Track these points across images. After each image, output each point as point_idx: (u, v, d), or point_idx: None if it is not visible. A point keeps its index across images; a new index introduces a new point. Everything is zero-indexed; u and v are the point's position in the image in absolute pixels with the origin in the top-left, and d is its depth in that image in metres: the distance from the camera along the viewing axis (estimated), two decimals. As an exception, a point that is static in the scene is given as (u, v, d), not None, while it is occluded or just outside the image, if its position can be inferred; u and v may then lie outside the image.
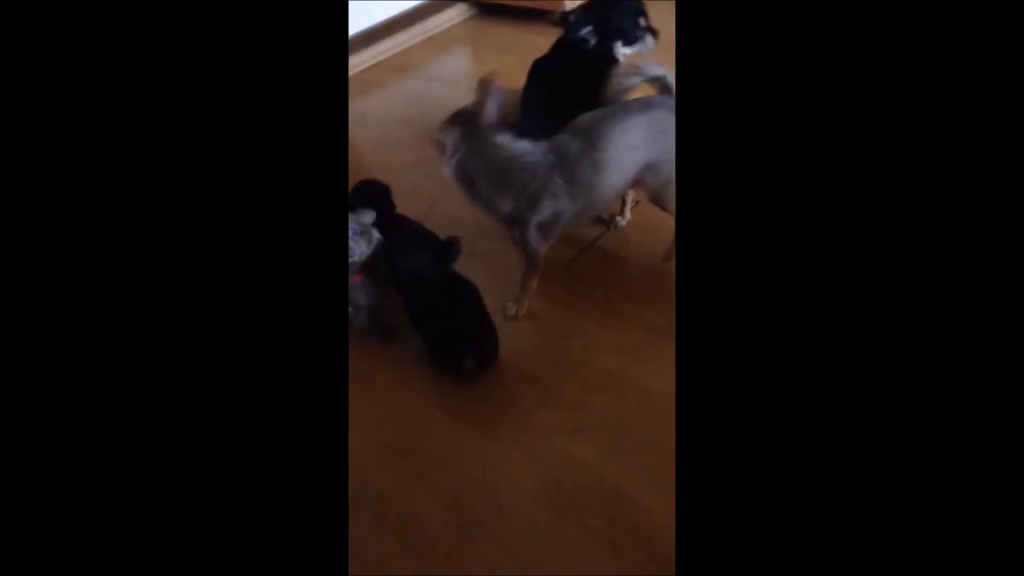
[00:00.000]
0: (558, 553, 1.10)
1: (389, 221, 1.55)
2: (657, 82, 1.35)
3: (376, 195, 1.62)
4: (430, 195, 1.99)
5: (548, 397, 1.34)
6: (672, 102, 1.34)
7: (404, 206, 1.95)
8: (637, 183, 1.41)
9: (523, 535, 1.13)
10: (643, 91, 1.40)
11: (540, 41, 2.74)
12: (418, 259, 1.37)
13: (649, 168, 1.35)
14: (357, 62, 2.75)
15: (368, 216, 1.46)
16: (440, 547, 1.13)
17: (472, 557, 1.11)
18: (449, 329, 1.37)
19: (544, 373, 1.38)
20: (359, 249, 1.40)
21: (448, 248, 1.35)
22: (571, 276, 1.62)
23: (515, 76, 2.54)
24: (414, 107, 2.45)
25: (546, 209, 1.33)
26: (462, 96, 2.52)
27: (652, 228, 1.70)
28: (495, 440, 1.29)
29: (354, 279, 1.44)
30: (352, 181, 2.09)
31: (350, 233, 1.39)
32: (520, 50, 2.79)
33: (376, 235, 1.47)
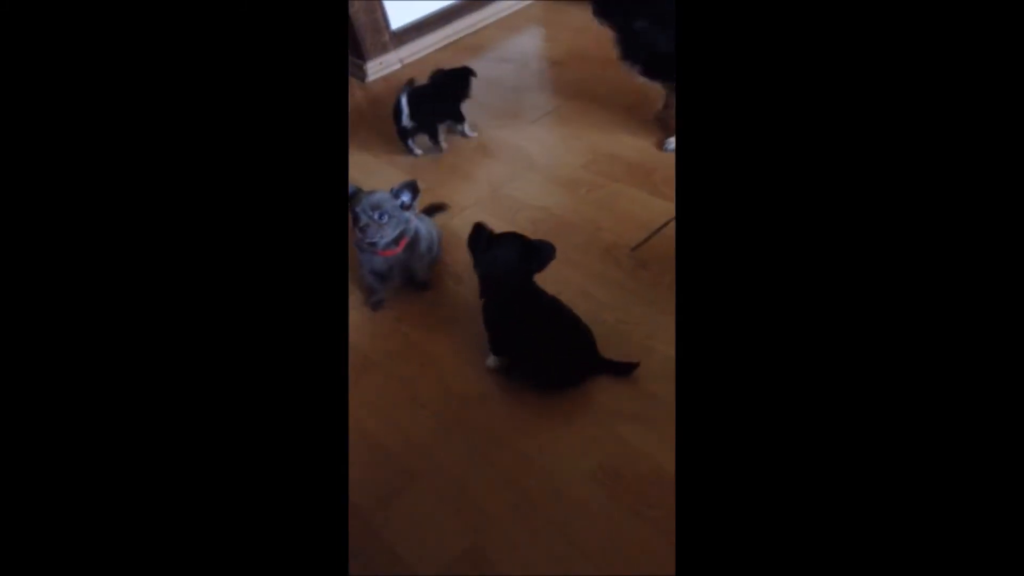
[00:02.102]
0: (614, 540, 1.10)
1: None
2: None
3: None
4: (499, 177, 1.99)
5: (609, 383, 1.33)
6: None
7: (472, 190, 1.96)
8: None
9: (578, 519, 1.13)
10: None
11: (615, 22, 2.68)
12: (503, 258, 1.28)
13: None
14: (430, 42, 2.77)
15: (405, 196, 1.50)
16: (496, 524, 1.15)
17: (527, 537, 1.12)
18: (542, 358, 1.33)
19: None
20: (383, 234, 1.46)
21: (538, 250, 1.29)
22: (636, 262, 1.59)
23: (590, 56, 2.51)
24: (486, 89, 2.45)
25: None
26: (534, 79, 2.51)
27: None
28: (552, 422, 1.29)
29: (384, 253, 1.51)
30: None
31: (375, 216, 1.44)
32: (595, 30, 2.73)
33: (410, 217, 1.52)
